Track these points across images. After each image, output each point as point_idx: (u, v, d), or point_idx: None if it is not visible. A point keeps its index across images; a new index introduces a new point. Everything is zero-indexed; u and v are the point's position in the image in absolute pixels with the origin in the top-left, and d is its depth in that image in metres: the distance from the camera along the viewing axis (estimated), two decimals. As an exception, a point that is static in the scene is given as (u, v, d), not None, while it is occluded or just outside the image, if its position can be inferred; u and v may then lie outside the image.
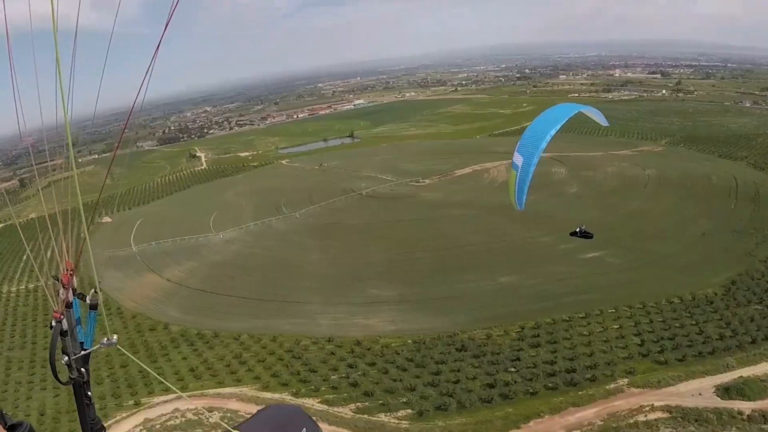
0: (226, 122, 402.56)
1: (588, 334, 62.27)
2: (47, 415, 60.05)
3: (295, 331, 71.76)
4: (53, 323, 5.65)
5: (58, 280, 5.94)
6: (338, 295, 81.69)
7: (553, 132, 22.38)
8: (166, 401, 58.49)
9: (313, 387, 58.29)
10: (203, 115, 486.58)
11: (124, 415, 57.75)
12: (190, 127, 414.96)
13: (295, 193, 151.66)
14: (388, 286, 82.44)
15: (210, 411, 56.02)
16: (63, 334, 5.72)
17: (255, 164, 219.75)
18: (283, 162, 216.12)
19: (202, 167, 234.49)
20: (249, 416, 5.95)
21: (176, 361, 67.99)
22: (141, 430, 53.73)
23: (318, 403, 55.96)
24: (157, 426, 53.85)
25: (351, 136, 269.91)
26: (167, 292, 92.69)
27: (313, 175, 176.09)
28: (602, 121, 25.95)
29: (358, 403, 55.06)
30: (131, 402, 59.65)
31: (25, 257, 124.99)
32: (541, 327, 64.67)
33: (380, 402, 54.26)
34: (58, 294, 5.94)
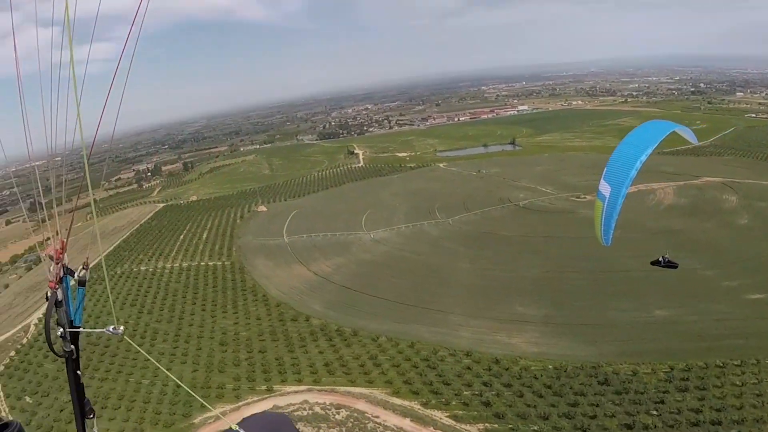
0: (386, 121, 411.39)
1: (740, 384, 54.56)
2: (183, 387, 63.92)
3: (433, 339, 70.40)
4: (48, 293, 5.76)
5: (51, 258, 5.96)
6: (483, 309, 78.81)
7: (644, 158, 18.79)
8: (297, 391, 59.96)
9: (443, 400, 56.63)
10: (364, 112, 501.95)
11: (255, 398, 60.07)
12: (350, 123, 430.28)
13: (449, 198, 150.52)
14: (535, 305, 78.43)
15: (337, 408, 56.40)
16: (58, 304, 5.88)
17: (412, 165, 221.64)
18: (441, 165, 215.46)
19: (359, 165, 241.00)
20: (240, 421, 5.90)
21: (312, 354, 69.39)
22: (269, 417, 55.26)
23: (446, 416, 54.10)
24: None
25: (512, 143, 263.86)
26: (313, 285, 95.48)
27: (470, 182, 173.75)
28: (692, 139, 22.33)
29: (486, 424, 52.51)
30: (264, 387, 61.83)
31: (182, 237, 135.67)
32: (691, 370, 57.75)
33: (510, 426, 51.30)
34: (50, 268, 6.05)
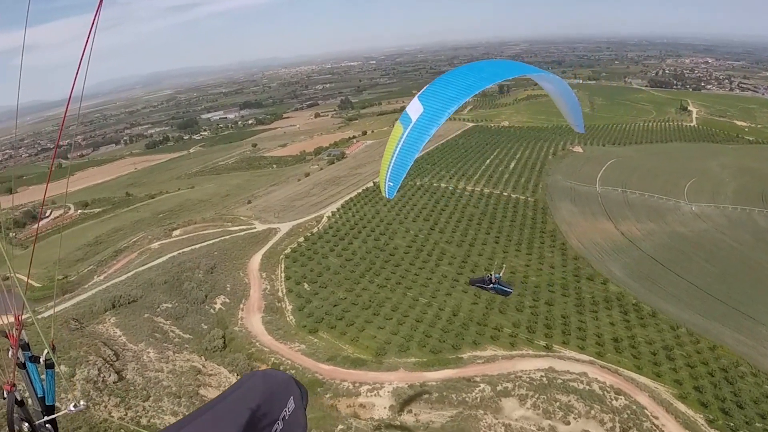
0: (726, 80, 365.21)
1: None
2: (459, 316, 65.26)
3: (737, 349, 60.72)
4: (5, 394, 5.34)
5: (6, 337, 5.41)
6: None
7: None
8: (578, 360, 56.78)
9: (731, 425, 48.87)
10: (703, 65, 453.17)
11: (531, 352, 58.27)
12: (686, 75, 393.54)
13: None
14: None
15: (617, 393, 52.18)
16: (19, 403, 5.46)
17: (750, 138, 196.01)
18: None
19: (691, 124, 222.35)
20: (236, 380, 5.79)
21: (603, 323, 64.90)
22: (542, 377, 53.21)
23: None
24: (558, 381, 52.55)
25: None
26: (617, 246, 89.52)
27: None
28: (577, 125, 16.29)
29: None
30: (542, 343, 59.72)
31: (488, 162, 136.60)
32: None
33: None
34: (9, 354, 5.65)
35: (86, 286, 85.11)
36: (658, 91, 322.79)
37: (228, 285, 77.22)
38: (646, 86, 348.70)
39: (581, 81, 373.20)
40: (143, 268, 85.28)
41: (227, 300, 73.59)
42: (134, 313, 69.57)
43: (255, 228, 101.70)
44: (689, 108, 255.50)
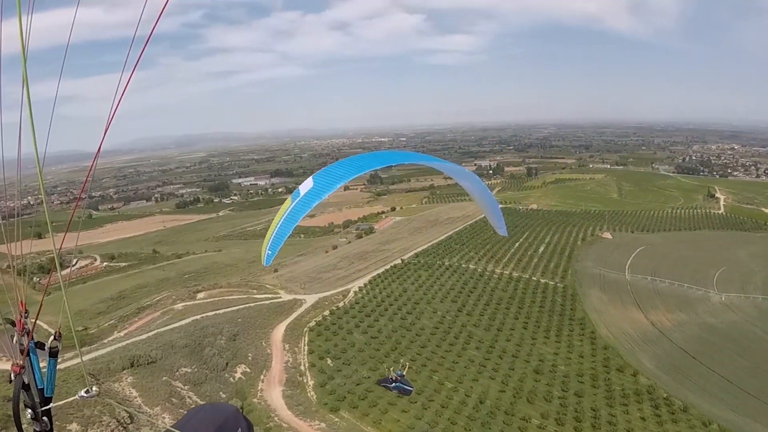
0: (753, 167, 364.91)
1: None
2: (486, 404, 63.42)
3: None
4: (12, 376, 5.32)
5: (13, 324, 5.43)
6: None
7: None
8: None
9: None
10: (729, 152, 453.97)
11: None
12: (712, 161, 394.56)
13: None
14: None
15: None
16: (25, 387, 5.45)
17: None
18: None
19: (719, 211, 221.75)
20: (182, 415, 5.93)
21: (633, 417, 62.57)
22: None
23: None
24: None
25: None
26: (647, 336, 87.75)
27: None
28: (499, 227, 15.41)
29: None
30: (572, 438, 57.74)
31: (517, 245, 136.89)
32: None
33: None
34: (13, 340, 5.58)
35: (105, 341, 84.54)
36: (686, 178, 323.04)
37: (250, 354, 76.15)
38: (674, 172, 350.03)
39: (609, 166, 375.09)
40: (165, 329, 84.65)
41: (248, 370, 72.33)
42: (152, 374, 68.35)
43: (280, 297, 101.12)
44: (717, 195, 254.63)
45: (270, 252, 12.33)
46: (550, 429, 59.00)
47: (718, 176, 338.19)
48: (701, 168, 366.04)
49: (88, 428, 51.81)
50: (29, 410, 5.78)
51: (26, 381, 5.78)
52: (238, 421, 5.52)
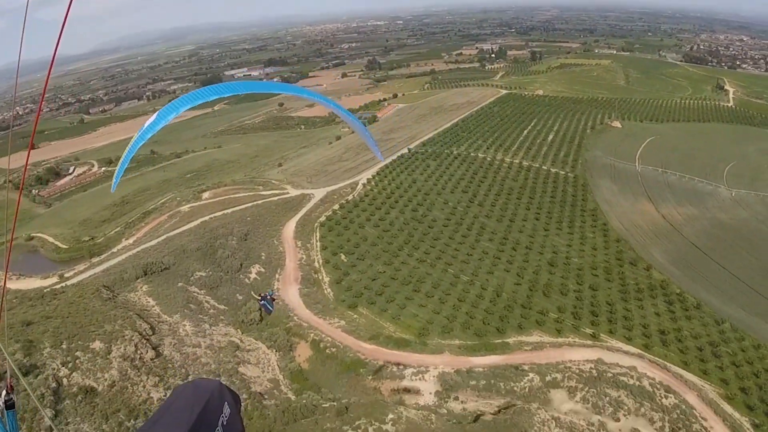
0: (762, 60, 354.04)
1: None
2: (503, 297, 62.82)
3: None
4: None
5: None
6: None
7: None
8: (627, 353, 54.38)
9: None
10: (738, 43, 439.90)
11: (578, 340, 55.91)
12: (721, 52, 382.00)
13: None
14: None
15: (667, 391, 49.83)
16: None
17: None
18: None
19: (728, 104, 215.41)
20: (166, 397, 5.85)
21: (648, 312, 62.18)
22: (592, 369, 50.94)
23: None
24: (608, 375, 50.24)
25: None
26: (658, 230, 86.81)
27: None
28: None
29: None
30: (589, 331, 57.26)
31: (525, 132, 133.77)
32: None
33: None
34: None
35: (115, 250, 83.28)
36: (693, 67, 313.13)
37: (263, 253, 74.52)
38: (681, 61, 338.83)
39: (615, 52, 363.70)
40: (174, 232, 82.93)
41: (262, 269, 71.03)
42: (167, 281, 67.33)
43: (288, 193, 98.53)
44: (726, 87, 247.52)
45: (115, 181, 12.98)
46: (567, 323, 58.56)
47: (726, 68, 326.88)
48: (709, 58, 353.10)
49: (112, 345, 50.49)
50: None
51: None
52: (223, 396, 5.26)
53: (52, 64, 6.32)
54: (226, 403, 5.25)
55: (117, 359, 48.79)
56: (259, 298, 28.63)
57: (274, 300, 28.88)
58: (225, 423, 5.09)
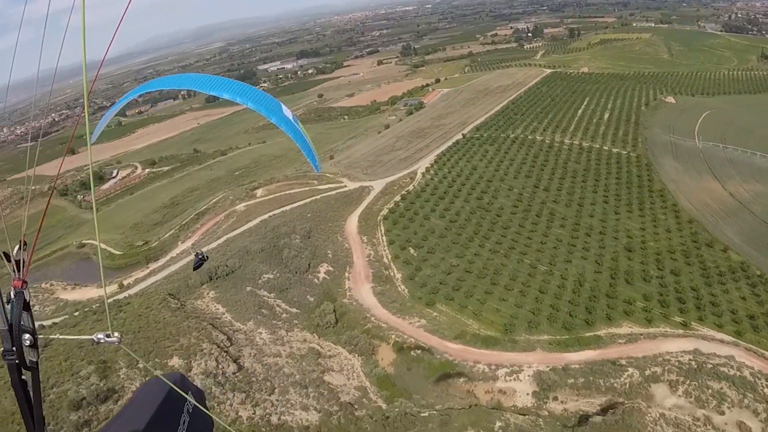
0: None
1: None
2: (585, 287, 60.38)
3: None
4: (12, 294, 4.74)
5: (8, 260, 4.87)
6: None
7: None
8: (722, 341, 51.79)
9: None
10: None
11: (670, 330, 53.36)
12: (760, 20, 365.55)
13: None
14: None
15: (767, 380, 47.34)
16: (26, 307, 4.86)
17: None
18: None
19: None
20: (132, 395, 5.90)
21: (734, 296, 59.06)
22: (691, 360, 48.53)
23: None
24: (708, 366, 47.77)
25: None
26: (728, 208, 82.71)
27: None
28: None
29: None
30: (678, 319, 54.64)
31: (580, 112, 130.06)
32: None
33: None
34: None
35: (173, 254, 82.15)
36: (734, 37, 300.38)
37: (329, 251, 72.59)
38: (721, 31, 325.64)
39: (653, 24, 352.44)
40: (234, 233, 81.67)
41: (331, 268, 69.07)
42: (235, 286, 66.03)
43: (345, 186, 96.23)
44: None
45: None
46: (655, 311, 56.05)
47: (767, 35, 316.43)
48: (749, 26, 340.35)
49: (192, 360, 49.35)
50: (26, 335, 4.68)
51: (27, 299, 4.85)
52: (185, 384, 5.33)
53: (100, 66, 6.73)
54: (189, 392, 5.35)
55: (199, 376, 47.41)
56: (195, 256, 28.81)
57: (203, 261, 28.64)
58: (190, 410, 5.21)
